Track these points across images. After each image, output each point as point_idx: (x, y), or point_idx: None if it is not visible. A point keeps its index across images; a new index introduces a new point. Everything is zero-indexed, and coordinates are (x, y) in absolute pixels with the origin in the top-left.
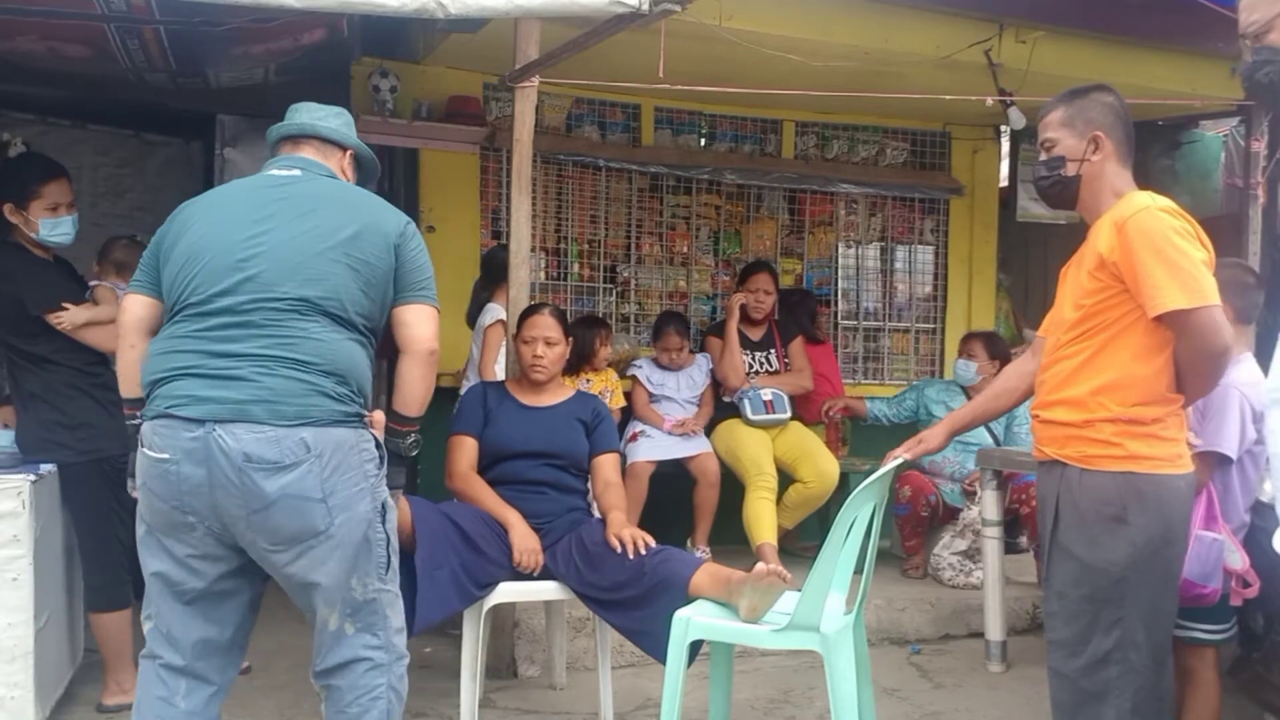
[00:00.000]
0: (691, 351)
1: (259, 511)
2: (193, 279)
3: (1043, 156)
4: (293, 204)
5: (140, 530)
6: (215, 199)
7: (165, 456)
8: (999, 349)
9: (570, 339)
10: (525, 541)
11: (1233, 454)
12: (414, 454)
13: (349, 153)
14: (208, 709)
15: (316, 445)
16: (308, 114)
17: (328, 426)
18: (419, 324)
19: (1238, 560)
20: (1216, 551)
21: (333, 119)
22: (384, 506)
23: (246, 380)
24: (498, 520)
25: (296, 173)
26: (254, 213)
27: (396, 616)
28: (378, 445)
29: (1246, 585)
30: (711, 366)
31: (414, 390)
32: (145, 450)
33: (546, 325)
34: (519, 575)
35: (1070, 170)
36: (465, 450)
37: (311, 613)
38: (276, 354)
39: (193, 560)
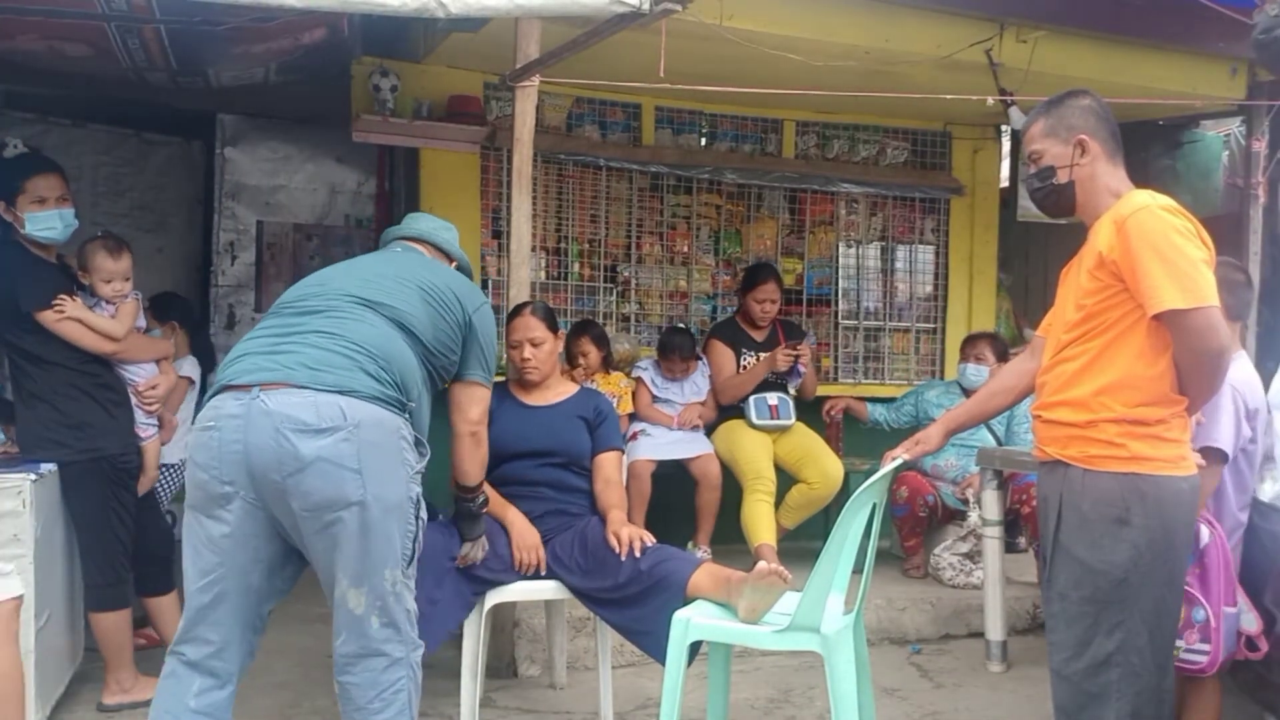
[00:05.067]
0: (695, 357)
1: (294, 474)
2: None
3: (1032, 169)
4: (387, 256)
5: (185, 519)
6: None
7: (210, 424)
8: (1002, 351)
9: (560, 334)
10: (524, 539)
11: (1229, 449)
12: (484, 511)
13: (454, 264)
14: (220, 709)
15: (353, 416)
16: (426, 223)
17: (366, 401)
18: (467, 406)
19: (1252, 622)
20: (1234, 622)
21: (444, 232)
22: (418, 500)
23: (295, 351)
24: (499, 520)
25: (399, 250)
26: (355, 263)
27: (412, 604)
28: (418, 443)
29: (1254, 649)
30: (710, 372)
31: (463, 467)
32: (195, 426)
33: (529, 326)
34: (520, 574)
35: (1061, 178)
36: None
37: (334, 591)
38: (328, 331)
39: (226, 543)
